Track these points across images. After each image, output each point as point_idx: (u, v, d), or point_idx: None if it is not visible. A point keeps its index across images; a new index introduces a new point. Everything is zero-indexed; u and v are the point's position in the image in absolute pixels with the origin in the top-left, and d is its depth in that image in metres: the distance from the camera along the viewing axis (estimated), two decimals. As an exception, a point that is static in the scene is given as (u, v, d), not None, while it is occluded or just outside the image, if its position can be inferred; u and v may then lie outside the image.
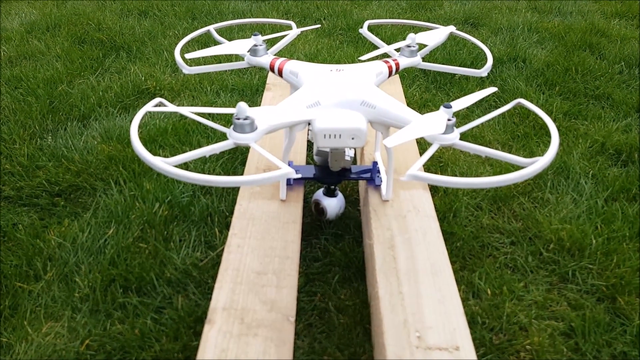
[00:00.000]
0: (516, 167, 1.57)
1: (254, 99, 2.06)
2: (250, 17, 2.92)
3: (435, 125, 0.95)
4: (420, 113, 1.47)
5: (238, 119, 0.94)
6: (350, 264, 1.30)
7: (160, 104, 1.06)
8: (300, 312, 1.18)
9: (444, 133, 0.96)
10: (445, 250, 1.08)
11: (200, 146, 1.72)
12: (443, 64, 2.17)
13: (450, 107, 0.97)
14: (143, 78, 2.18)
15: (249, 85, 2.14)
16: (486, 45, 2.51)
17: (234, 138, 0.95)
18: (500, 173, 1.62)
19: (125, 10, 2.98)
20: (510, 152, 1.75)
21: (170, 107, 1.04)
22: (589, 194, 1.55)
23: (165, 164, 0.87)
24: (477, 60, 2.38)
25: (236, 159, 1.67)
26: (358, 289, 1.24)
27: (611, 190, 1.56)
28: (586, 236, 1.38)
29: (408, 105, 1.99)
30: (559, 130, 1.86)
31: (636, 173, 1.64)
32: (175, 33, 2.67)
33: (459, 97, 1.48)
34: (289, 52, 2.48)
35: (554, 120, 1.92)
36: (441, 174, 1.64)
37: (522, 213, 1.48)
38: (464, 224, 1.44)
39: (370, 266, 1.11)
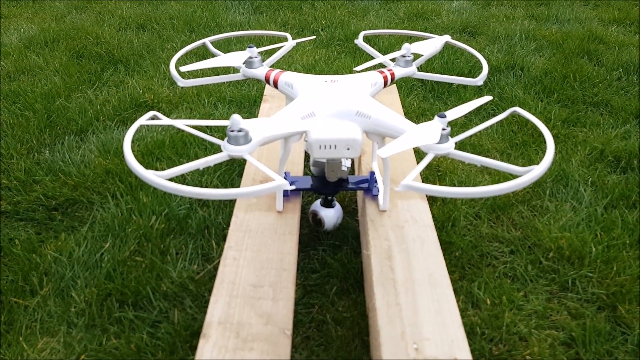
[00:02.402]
0: (515, 176, 1.57)
1: (252, 111, 2.06)
2: (248, 29, 2.93)
3: (430, 135, 0.95)
4: (417, 122, 1.46)
5: (232, 131, 0.94)
6: (348, 275, 1.29)
7: (154, 117, 1.06)
8: (298, 324, 1.17)
9: (439, 142, 0.96)
10: (443, 260, 1.07)
11: (197, 158, 1.71)
12: (440, 73, 2.17)
13: (444, 116, 0.97)
14: (141, 91, 2.19)
15: (247, 97, 2.15)
16: (484, 54, 2.52)
17: (228, 150, 0.94)
18: (499, 182, 1.61)
19: (123, 24, 2.99)
20: (508, 161, 1.74)
21: (164, 120, 1.04)
22: (589, 202, 1.54)
23: (157, 177, 0.86)
24: (475, 68, 2.38)
25: (234, 171, 1.66)
26: (356, 300, 1.23)
27: (610, 197, 1.55)
28: (586, 244, 1.37)
29: (406, 114, 1.99)
30: (557, 137, 1.86)
31: (636, 180, 1.63)
32: (173, 46, 2.68)
33: (456, 106, 1.47)
34: (287, 63, 2.48)
35: (552, 128, 1.91)
36: (439, 183, 1.63)
37: (522, 221, 1.47)
38: (462, 233, 1.43)
39: (368, 277, 1.10)
